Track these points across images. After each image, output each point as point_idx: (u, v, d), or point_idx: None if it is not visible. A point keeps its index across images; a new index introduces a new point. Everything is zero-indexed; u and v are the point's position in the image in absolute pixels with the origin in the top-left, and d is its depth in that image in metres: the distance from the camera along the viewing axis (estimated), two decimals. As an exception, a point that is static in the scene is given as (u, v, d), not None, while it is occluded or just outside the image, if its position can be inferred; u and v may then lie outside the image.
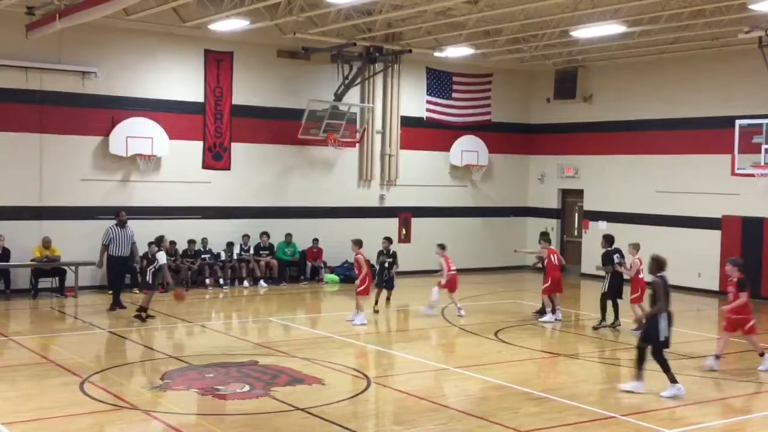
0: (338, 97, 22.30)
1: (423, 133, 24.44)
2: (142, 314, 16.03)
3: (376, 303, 17.68)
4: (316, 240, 22.34)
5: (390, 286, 18.05)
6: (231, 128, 21.40)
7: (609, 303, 16.36)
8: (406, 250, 23.97)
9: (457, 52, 21.90)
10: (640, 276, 15.89)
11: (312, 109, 21.89)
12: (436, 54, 22.24)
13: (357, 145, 23.32)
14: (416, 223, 24.27)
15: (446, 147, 24.66)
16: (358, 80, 22.43)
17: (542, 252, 17.56)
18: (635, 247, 16.12)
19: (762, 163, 17.49)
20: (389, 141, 23.85)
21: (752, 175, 17.98)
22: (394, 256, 18.02)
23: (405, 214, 24.24)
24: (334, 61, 21.94)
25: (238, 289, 20.76)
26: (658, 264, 11.66)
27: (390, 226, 23.95)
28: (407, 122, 24.14)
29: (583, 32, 19.20)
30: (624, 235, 22.08)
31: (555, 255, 17.55)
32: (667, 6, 17.11)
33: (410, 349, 14.61)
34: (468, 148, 24.89)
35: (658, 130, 22.82)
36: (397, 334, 16.56)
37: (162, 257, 16.41)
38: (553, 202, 26.03)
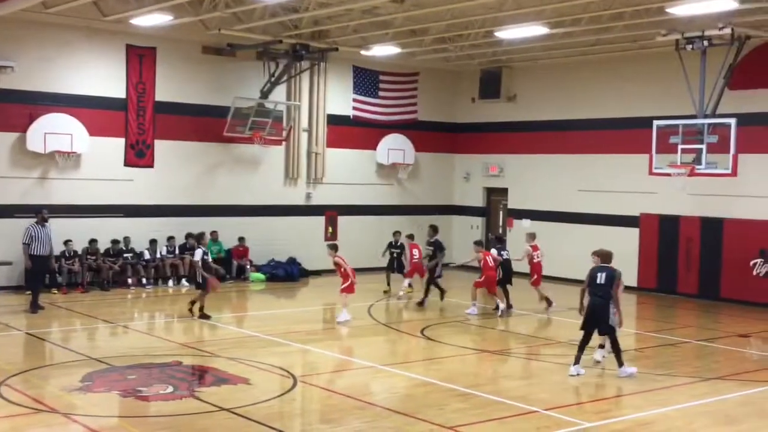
0: (264, 94, 22.12)
1: (349, 132, 24.45)
2: (205, 314, 16.27)
3: (388, 285, 20.30)
4: (242, 238, 22.14)
5: (401, 270, 20.26)
6: (154, 125, 21.03)
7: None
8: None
9: (383, 50, 21.97)
10: (535, 261, 18.25)
11: (238, 106, 21.66)
12: (363, 52, 22.28)
13: (283, 143, 23.18)
14: (343, 221, 24.26)
15: (373, 145, 24.73)
16: (285, 78, 22.30)
17: (477, 256, 17.91)
18: (531, 236, 18.52)
19: (678, 163, 18.00)
20: (316, 139, 23.78)
21: (669, 175, 18.49)
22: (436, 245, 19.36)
23: (331, 213, 24.21)
24: (260, 58, 21.76)
25: (162, 289, 20.41)
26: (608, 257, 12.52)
27: (316, 224, 23.92)
28: (334, 120, 24.10)
29: (508, 33, 19.49)
30: (547, 232, 22.55)
31: (489, 256, 17.84)
32: (588, 8, 17.48)
33: (337, 348, 14.62)
34: (394, 147, 25.00)
35: (580, 130, 23.32)
36: (323, 333, 16.53)
37: (198, 254, 16.47)
38: (478, 201, 26.35)
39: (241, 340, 14.67)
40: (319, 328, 16.97)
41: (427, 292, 18.60)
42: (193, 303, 16.52)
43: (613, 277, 12.18)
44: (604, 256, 12.47)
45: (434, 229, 19.88)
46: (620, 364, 12.25)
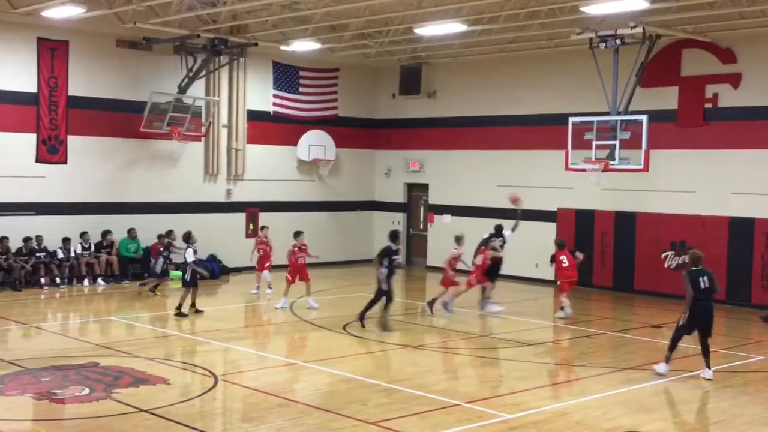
0: (182, 89, 21.75)
1: (270, 128, 24.26)
2: (195, 310, 16.49)
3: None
4: (160, 236, 21.68)
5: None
6: (67, 120, 20.46)
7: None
8: (253, 244, 23.79)
9: (303, 46, 21.86)
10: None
11: (155, 101, 21.26)
12: (283, 48, 22.12)
13: (202, 139, 22.85)
14: (264, 218, 24.04)
15: (293, 141, 24.59)
16: (203, 73, 21.97)
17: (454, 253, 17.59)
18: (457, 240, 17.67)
19: (593, 159, 18.43)
20: (236, 135, 23.52)
21: (584, 170, 18.91)
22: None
23: (252, 209, 23.99)
24: (178, 52, 21.36)
25: (76, 289, 19.90)
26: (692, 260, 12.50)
27: (237, 221, 23.68)
28: (254, 116, 23.89)
29: (427, 30, 19.61)
30: (467, 228, 22.77)
31: (566, 256, 17.46)
32: (505, 7, 17.74)
33: (258, 345, 14.50)
34: (315, 143, 24.92)
35: (498, 126, 23.65)
36: (245, 330, 16.38)
37: (189, 253, 16.37)
38: (399, 196, 26.48)
39: (159, 340, 14.42)
40: (240, 326, 16.80)
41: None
42: (180, 306, 16.34)
43: (714, 279, 12.22)
44: (699, 259, 12.40)
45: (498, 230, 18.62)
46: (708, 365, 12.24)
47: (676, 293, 19.53)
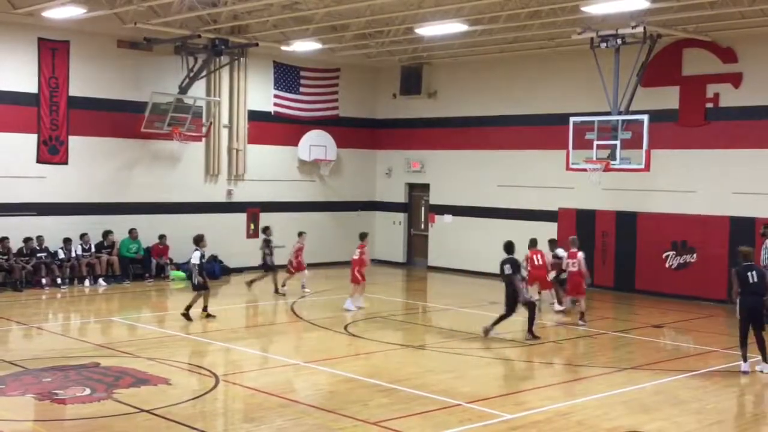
0: (183, 90, 21.75)
1: (271, 128, 24.25)
2: (207, 314, 16.26)
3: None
4: (162, 236, 21.73)
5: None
6: (68, 121, 20.46)
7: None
8: (254, 245, 23.77)
9: (304, 46, 21.86)
10: (570, 269, 16.61)
11: (155, 101, 21.26)
12: (284, 48, 22.11)
13: (203, 139, 22.85)
14: (265, 218, 24.04)
15: (294, 142, 24.59)
16: (204, 73, 21.96)
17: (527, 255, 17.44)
18: (573, 242, 16.91)
19: (594, 159, 18.42)
20: (236, 135, 23.52)
21: (585, 170, 18.90)
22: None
23: (253, 210, 23.99)
24: (178, 53, 21.36)
25: (77, 289, 19.90)
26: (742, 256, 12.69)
27: (238, 221, 23.68)
28: (255, 116, 23.88)
29: (428, 30, 19.61)
30: (468, 227, 22.82)
31: (537, 255, 17.56)
32: (506, 6, 17.73)
33: (259, 345, 14.50)
34: (316, 143, 24.91)
35: (499, 126, 23.64)
36: (245, 330, 16.37)
37: (195, 256, 16.16)
38: (400, 197, 26.47)
39: (160, 340, 14.41)
40: (242, 326, 16.80)
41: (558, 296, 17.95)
42: (189, 308, 16.04)
43: (764, 275, 12.50)
44: (748, 254, 12.66)
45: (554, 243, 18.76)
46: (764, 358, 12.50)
47: (678, 293, 19.65)
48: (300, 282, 19.65)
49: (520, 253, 15.91)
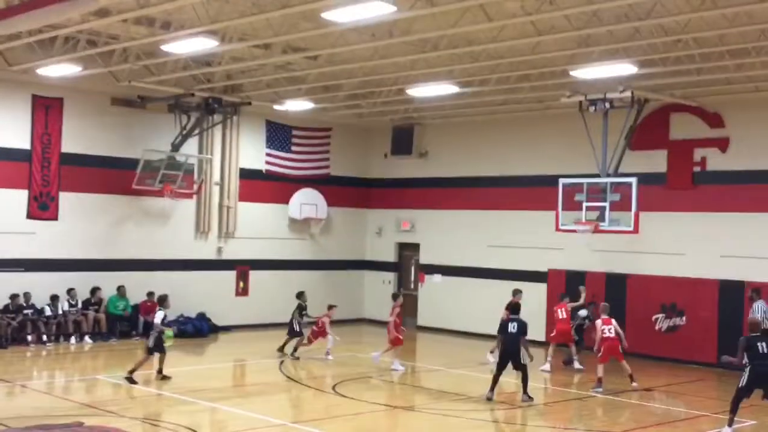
0: (175, 147, 21.86)
1: (262, 186, 24.33)
2: (162, 376, 15.65)
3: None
4: (150, 293, 21.56)
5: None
6: (59, 177, 20.49)
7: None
8: (243, 303, 23.68)
9: (296, 105, 22.07)
10: (605, 335, 16.42)
11: (147, 158, 21.34)
12: (276, 107, 22.32)
13: (194, 196, 22.88)
14: (254, 276, 24.00)
15: (285, 200, 24.64)
16: (197, 131, 22.11)
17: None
18: (604, 309, 16.88)
19: (583, 220, 18.50)
20: (228, 193, 23.57)
21: (574, 231, 18.97)
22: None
23: (243, 267, 23.91)
24: (172, 110, 21.50)
25: (63, 346, 19.68)
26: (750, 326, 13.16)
27: (227, 279, 23.58)
28: (246, 174, 23.97)
29: (419, 91, 19.85)
30: (457, 288, 22.78)
31: (562, 309, 18.44)
32: (497, 69, 18.00)
33: (247, 405, 14.28)
34: (307, 201, 24.97)
35: (489, 187, 23.78)
36: (233, 390, 16.18)
37: (159, 316, 15.68)
38: (390, 256, 26.45)
39: (146, 399, 14.22)
40: (229, 386, 16.60)
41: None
42: (133, 371, 15.43)
43: None
44: (757, 326, 13.07)
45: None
46: None
47: (668, 356, 19.55)
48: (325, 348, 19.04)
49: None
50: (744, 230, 19.12)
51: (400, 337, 17.84)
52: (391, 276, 26.31)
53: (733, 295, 18.94)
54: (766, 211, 18.84)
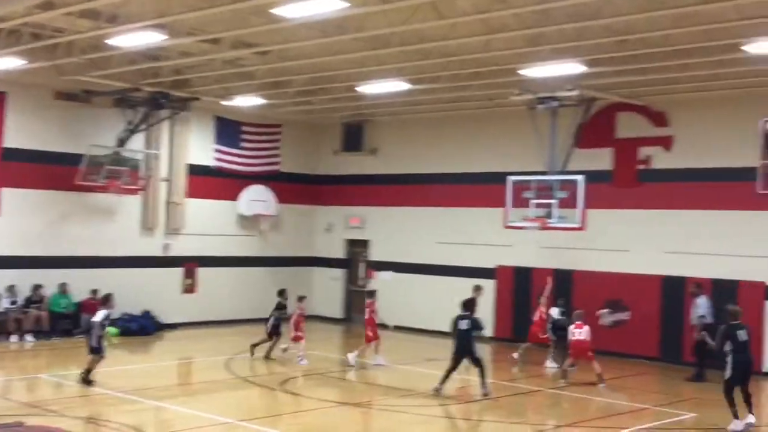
0: (121, 142, 21.51)
1: (211, 182, 24.09)
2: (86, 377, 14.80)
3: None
4: (94, 291, 21.20)
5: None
6: (1, 172, 20.03)
7: None
8: (190, 300, 23.44)
9: (246, 101, 21.89)
10: (574, 338, 16.75)
11: (93, 154, 20.95)
12: (225, 103, 22.11)
13: (140, 192, 22.55)
14: (202, 273, 23.75)
15: (234, 196, 24.44)
16: (143, 126, 21.78)
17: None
18: (579, 315, 17.06)
19: (531, 217, 18.70)
20: (175, 189, 23.28)
21: (522, 228, 19.16)
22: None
23: (190, 264, 23.65)
24: (118, 105, 21.17)
25: (3, 345, 19.24)
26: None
27: (174, 276, 23.30)
28: (194, 170, 23.71)
29: (369, 88, 19.84)
30: (407, 284, 22.86)
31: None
32: (447, 67, 18.06)
33: (192, 404, 14.13)
34: (256, 198, 24.80)
35: (439, 184, 23.88)
36: (178, 388, 15.99)
37: (100, 315, 15.02)
38: (339, 253, 26.41)
39: (89, 398, 13.98)
40: (175, 384, 16.41)
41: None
42: (89, 372, 14.89)
43: (749, 332, 12.95)
44: (737, 314, 13.10)
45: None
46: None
47: (612, 350, 19.84)
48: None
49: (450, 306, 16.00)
50: (687, 227, 19.51)
51: (370, 334, 17.79)
52: (340, 273, 26.27)
53: (675, 290, 19.33)
54: (708, 209, 19.25)
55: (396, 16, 14.06)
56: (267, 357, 18.11)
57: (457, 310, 15.30)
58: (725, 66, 16.30)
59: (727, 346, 12.71)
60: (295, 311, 18.38)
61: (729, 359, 12.69)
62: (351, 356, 17.84)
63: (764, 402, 13.00)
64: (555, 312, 18.72)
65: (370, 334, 17.86)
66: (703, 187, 19.34)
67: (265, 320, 18.55)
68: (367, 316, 18.15)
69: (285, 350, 18.20)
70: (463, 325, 14.94)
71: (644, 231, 20.15)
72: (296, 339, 18.01)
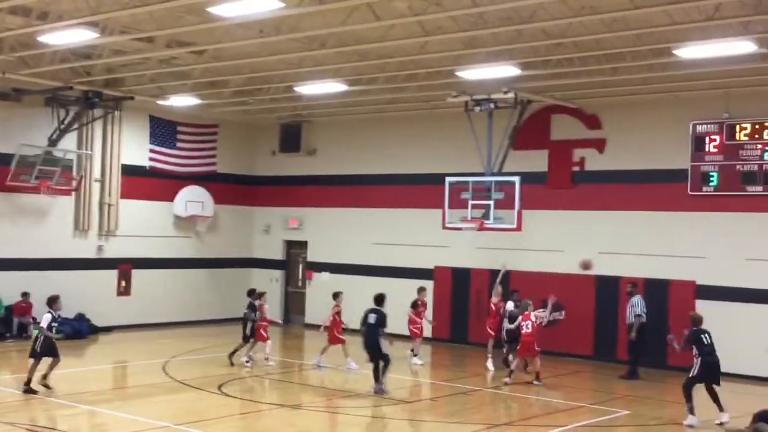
0: (53, 142, 21.03)
1: (145, 182, 23.72)
2: (32, 386, 14.23)
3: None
4: (25, 294, 20.70)
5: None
6: (-74, 172, 19.43)
7: None
8: (125, 303, 23.05)
9: (181, 101, 21.61)
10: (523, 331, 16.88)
11: (23, 154, 20.45)
12: (160, 102, 21.79)
13: (73, 193, 22.08)
14: (137, 275, 23.36)
15: (170, 197, 24.11)
16: (76, 126, 21.33)
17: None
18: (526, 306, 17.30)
19: (469, 218, 18.85)
20: (109, 189, 22.86)
21: (460, 229, 19.30)
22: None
23: (124, 266, 23.25)
24: (49, 104, 20.68)
25: (-70, 351, 18.66)
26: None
27: (108, 278, 22.87)
28: (129, 171, 23.31)
29: (307, 89, 19.77)
30: (345, 285, 22.80)
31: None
32: (385, 69, 18.11)
33: (128, 408, 13.89)
34: (192, 199, 24.50)
35: (376, 185, 23.93)
36: (113, 392, 15.70)
37: (46, 319, 14.40)
38: (278, 254, 26.27)
39: (21, 403, 13.64)
40: (109, 388, 16.11)
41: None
42: (30, 381, 14.36)
43: (711, 336, 13.47)
44: (699, 320, 13.65)
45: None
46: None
47: (547, 349, 20.13)
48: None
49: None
50: (620, 228, 19.92)
51: (339, 336, 17.63)
52: (278, 274, 26.13)
53: (608, 290, 19.71)
54: (640, 210, 19.68)
55: (333, 17, 14.06)
56: (230, 356, 17.62)
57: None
58: (656, 70, 16.69)
59: (695, 350, 13.32)
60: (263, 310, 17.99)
61: (698, 361, 13.29)
62: (318, 359, 17.75)
63: (705, 402, 13.36)
64: (510, 306, 18.54)
65: (334, 336, 17.66)
66: (636, 188, 19.77)
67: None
68: (331, 318, 17.86)
69: (249, 361, 17.60)
70: (372, 319, 15.24)
71: (578, 231, 20.50)
72: (264, 339, 17.79)
